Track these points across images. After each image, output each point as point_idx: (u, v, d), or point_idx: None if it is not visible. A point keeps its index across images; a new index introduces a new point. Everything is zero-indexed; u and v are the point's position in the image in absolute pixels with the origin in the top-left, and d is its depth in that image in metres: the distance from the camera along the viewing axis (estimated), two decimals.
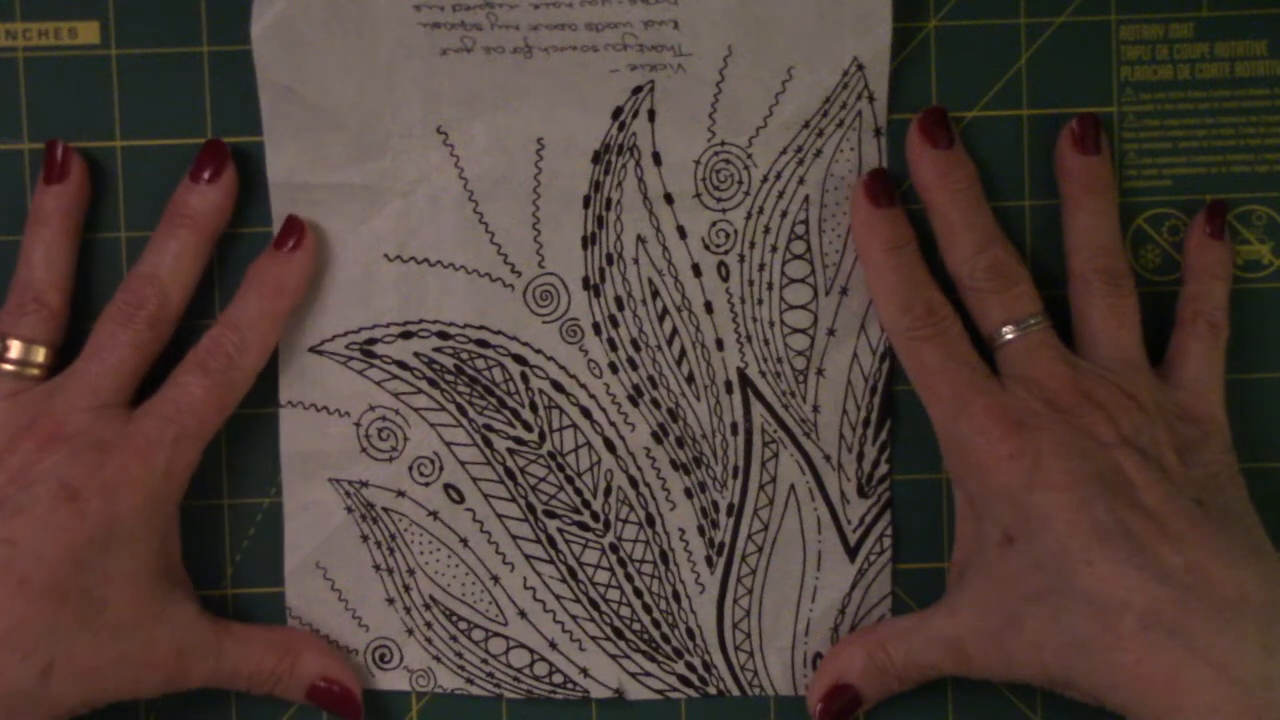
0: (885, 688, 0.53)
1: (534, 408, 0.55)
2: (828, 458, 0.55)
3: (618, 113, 0.54)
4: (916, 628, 0.52)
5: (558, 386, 0.55)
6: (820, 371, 0.55)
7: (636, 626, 0.56)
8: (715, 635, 0.56)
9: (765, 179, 0.55)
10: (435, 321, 0.55)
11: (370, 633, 0.56)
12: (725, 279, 0.55)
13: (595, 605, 0.55)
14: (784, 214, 0.55)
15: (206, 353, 0.52)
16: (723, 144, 0.55)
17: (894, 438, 0.55)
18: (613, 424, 0.55)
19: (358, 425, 0.55)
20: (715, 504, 0.55)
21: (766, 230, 0.55)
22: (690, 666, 0.56)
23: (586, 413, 0.55)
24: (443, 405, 0.55)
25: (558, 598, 0.55)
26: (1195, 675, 0.47)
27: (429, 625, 0.55)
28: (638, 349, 0.55)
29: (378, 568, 0.55)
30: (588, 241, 0.55)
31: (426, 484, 0.55)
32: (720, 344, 0.55)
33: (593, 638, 0.56)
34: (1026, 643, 0.50)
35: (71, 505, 0.50)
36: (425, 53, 0.54)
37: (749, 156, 0.55)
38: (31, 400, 0.52)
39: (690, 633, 0.56)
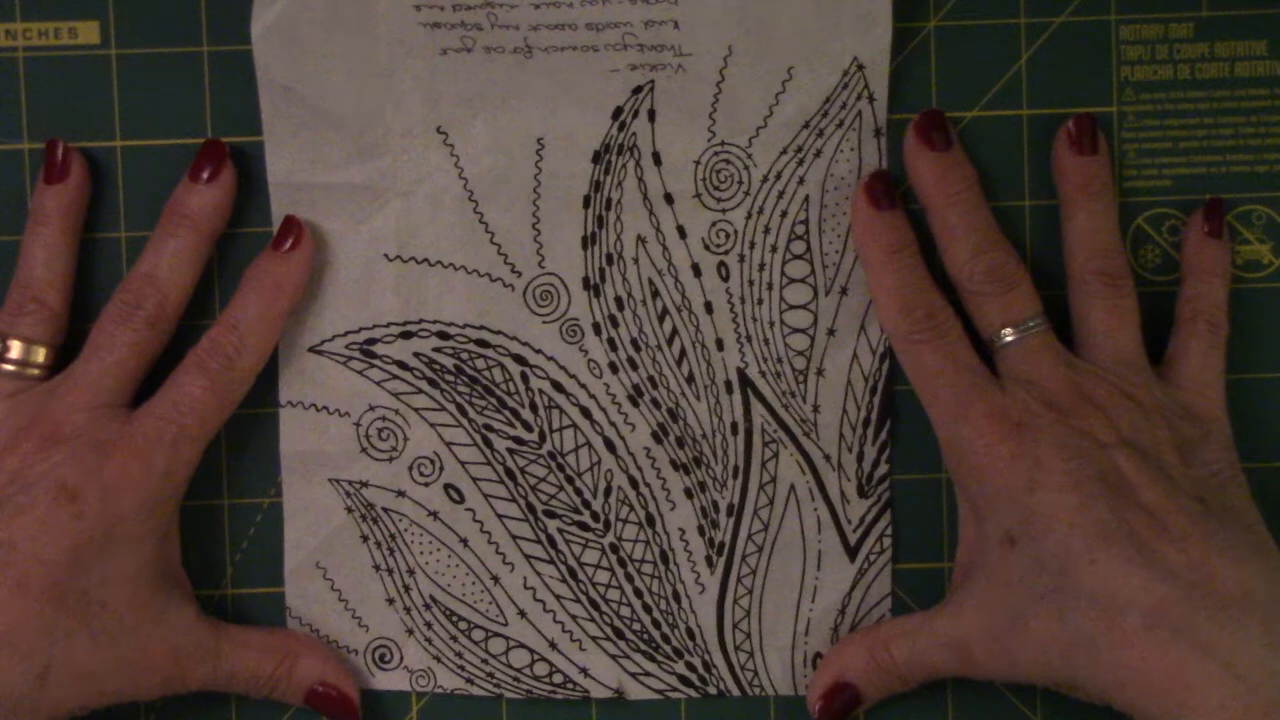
0: (886, 687, 0.53)
1: (534, 408, 0.55)
2: (828, 458, 0.55)
3: (618, 113, 0.54)
4: (920, 628, 0.52)
5: (558, 386, 0.55)
6: (820, 371, 0.55)
7: (636, 626, 0.56)
8: (715, 635, 0.56)
9: (765, 179, 0.55)
10: (435, 321, 0.55)
11: (370, 633, 0.56)
12: (725, 279, 0.55)
13: (595, 605, 0.55)
14: (784, 214, 0.55)
15: (206, 353, 0.52)
16: (723, 144, 0.55)
17: (894, 438, 0.55)
18: (613, 424, 0.55)
19: (358, 425, 0.55)
20: (715, 504, 0.55)
21: (766, 230, 0.55)
22: (690, 666, 0.56)
23: (586, 413, 0.55)
24: (443, 405, 0.55)
25: (558, 598, 0.55)
26: (1201, 673, 0.47)
27: (429, 625, 0.55)
28: (638, 349, 0.55)
29: (378, 568, 0.55)
30: (588, 241, 0.55)
31: (426, 484, 0.55)
32: (720, 344, 0.55)
33: (593, 638, 0.55)
34: (1031, 643, 0.50)
35: (70, 506, 0.50)
36: (425, 53, 0.54)
37: (749, 156, 0.55)
38: (31, 400, 0.52)
39: (690, 633, 0.56)
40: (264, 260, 0.53)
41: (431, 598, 0.55)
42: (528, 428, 0.55)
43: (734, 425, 0.55)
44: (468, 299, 0.55)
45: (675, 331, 0.55)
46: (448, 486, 0.55)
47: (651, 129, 0.55)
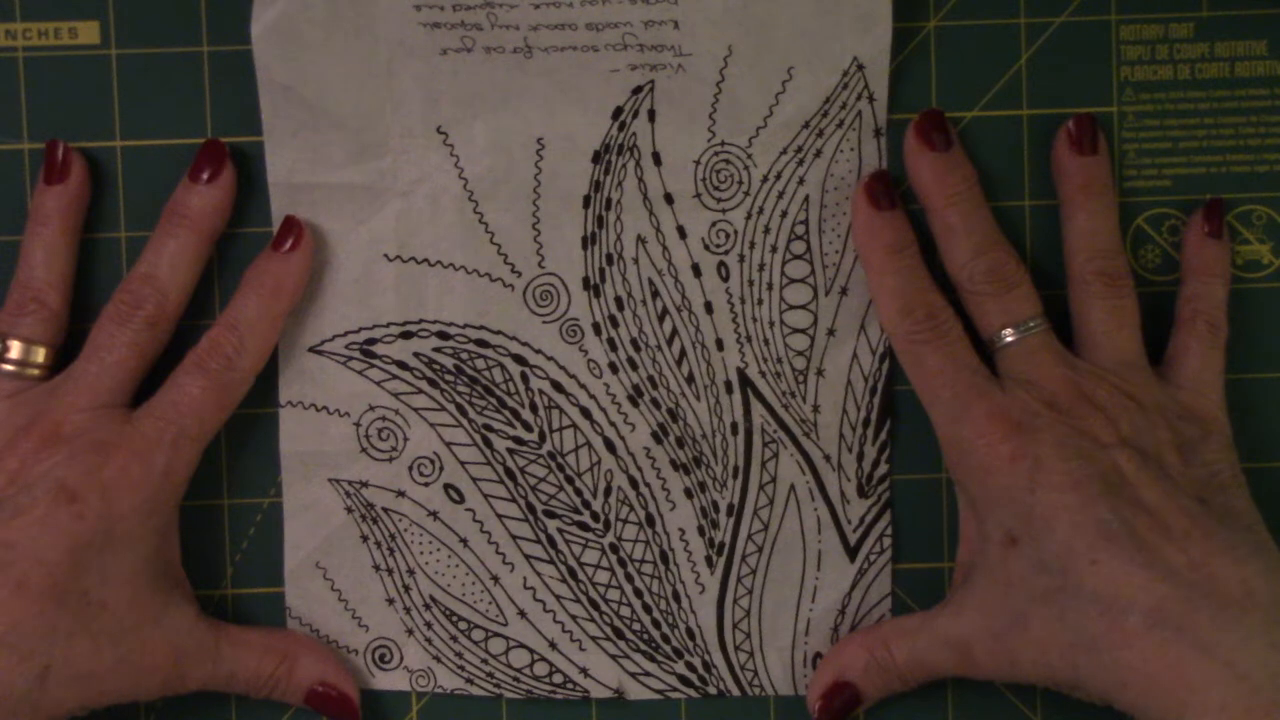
0: (886, 687, 0.53)
1: (534, 408, 0.55)
2: (828, 458, 0.55)
3: (618, 113, 0.54)
4: (921, 627, 0.52)
5: (558, 386, 0.55)
6: (820, 371, 0.55)
7: (636, 626, 0.56)
8: (715, 635, 0.56)
9: (765, 179, 0.55)
10: (435, 321, 0.55)
11: (370, 633, 0.56)
12: (725, 279, 0.55)
13: (595, 605, 0.55)
14: (784, 214, 0.55)
15: (205, 354, 0.52)
16: (723, 144, 0.55)
17: (894, 438, 0.55)
18: (613, 424, 0.55)
19: (358, 425, 0.55)
20: (715, 504, 0.55)
21: (766, 230, 0.55)
22: (690, 666, 0.56)
23: (586, 413, 0.55)
24: (442, 405, 0.55)
25: (558, 598, 0.55)
26: (1202, 673, 0.47)
27: (429, 625, 0.55)
28: (638, 349, 0.55)
29: (378, 568, 0.55)
30: (588, 241, 0.55)
31: (426, 484, 0.55)
32: (720, 344, 0.55)
33: (593, 638, 0.55)
34: (1033, 643, 0.50)
35: (70, 507, 0.50)
36: (425, 53, 0.54)
37: (749, 156, 0.55)
38: (31, 400, 0.52)
39: (690, 633, 0.56)
40: (264, 260, 0.53)
41: (431, 598, 0.55)
42: (528, 428, 0.55)
43: (734, 425, 0.55)
44: (468, 299, 0.55)
45: (675, 331, 0.55)
46: (448, 486, 0.55)
47: (651, 129, 0.55)
